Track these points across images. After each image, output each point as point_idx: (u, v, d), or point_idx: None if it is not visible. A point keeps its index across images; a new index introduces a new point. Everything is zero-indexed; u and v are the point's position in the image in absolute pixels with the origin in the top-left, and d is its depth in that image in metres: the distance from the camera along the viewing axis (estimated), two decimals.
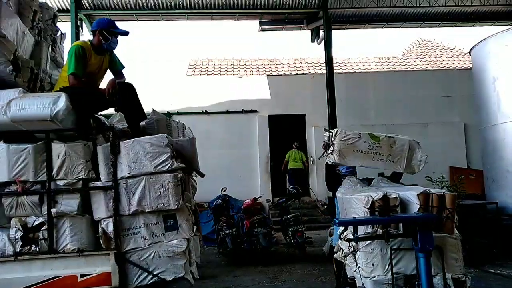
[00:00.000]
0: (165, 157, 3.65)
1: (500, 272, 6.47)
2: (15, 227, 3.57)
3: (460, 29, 16.16)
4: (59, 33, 5.33)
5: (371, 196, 3.70)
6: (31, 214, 3.64)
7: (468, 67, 12.83)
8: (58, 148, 3.63)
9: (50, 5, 5.49)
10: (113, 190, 3.60)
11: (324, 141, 4.83)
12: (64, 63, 4.33)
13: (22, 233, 3.55)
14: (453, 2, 12.19)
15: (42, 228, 3.59)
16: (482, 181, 9.62)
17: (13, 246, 3.54)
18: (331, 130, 4.69)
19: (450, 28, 14.23)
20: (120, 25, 4.36)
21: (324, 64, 12.32)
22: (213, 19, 12.66)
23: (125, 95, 4.01)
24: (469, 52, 9.72)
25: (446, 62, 16.90)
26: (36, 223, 3.61)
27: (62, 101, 3.56)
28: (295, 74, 15.40)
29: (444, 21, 13.35)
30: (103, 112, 4.46)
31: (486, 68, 8.58)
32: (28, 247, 3.55)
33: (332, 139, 4.51)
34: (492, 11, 12.96)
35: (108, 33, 4.09)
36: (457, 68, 15.65)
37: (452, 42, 18.48)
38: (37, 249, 3.56)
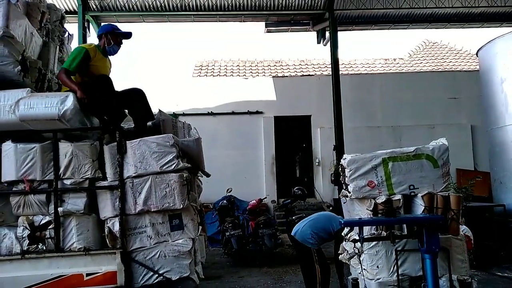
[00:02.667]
0: (171, 157, 3.67)
1: (507, 275, 6.41)
2: (23, 225, 3.61)
3: (467, 31, 16.05)
4: (66, 34, 5.37)
5: (374, 199, 3.69)
6: (38, 213, 3.68)
7: (475, 69, 12.74)
8: (65, 148, 3.67)
9: (58, 6, 5.53)
10: (119, 190, 3.63)
11: (339, 170, 4.48)
12: None
13: (29, 232, 3.59)
14: (460, 3, 12.10)
15: (49, 227, 3.63)
16: (489, 183, 9.53)
17: (20, 245, 3.58)
18: (341, 162, 4.22)
19: (457, 29, 14.12)
20: (127, 26, 4.45)
21: (330, 66, 12.29)
22: (219, 21, 12.68)
23: (136, 101, 4.12)
24: (476, 54, 9.65)
25: (453, 63, 16.78)
26: (43, 221, 3.65)
27: (70, 101, 3.60)
28: (300, 76, 15.38)
29: (451, 22, 13.25)
30: None
31: (494, 69, 8.51)
32: (35, 245, 3.59)
33: (345, 176, 4.04)
34: (500, 12, 12.85)
35: (113, 36, 4.26)
36: (464, 69, 15.52)
37: (459, 44, 18.43)
38: (44, 248, 3.60)
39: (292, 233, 4.96)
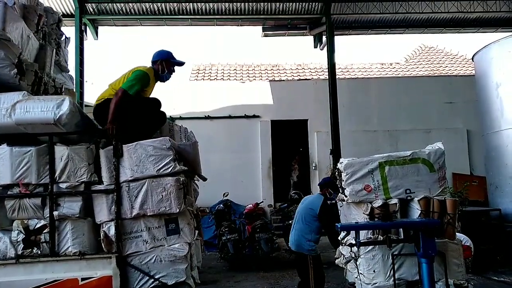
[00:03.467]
0: (168, 160, 3.66)
1: (503, 280, 6.43)
2: (17, 229, 3.57)
3: (463, 35, 16.15)
4: (63, 37, 5.35)
5: (370, 203, 3.70)
6: (33, 216, 3.64)
7: (471, 73, 12.83)
8: (61, 151, 3.64)
9: (55, 9, 5.52)
10: (115, 193, 3.61)
11: (335, 174, 4.53)
12: (119, 77, 4.21)
13: (24, 236, 3.55)
14: (455, 8, 12.21)
15: (44, 231, 3.59)
16: (485, 187, 9.58)
17: (15, 249, 3.54)
18: (337, 166, 4.28)
19: (453, 34, 14.26)
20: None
21: (326, 70, 12.33)
22: (216, 25, 12.72)
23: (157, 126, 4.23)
24: (472, 58, 9.72)
25: (449, 68, 16.89)
26: (38, 225, 3.61)
27: (66, 105, 3.58)
28: (297, 80, 15.42)
29: (447, 27, 13.38)
30: None
31: (489, 74, 8.58)
32: (30, 249, 3.55)
33: (341, 180, 4.05)
34: (495, 18, 12.98)
35: (168, 64, 4.28)
36: (460, 74, 15.63)
37: (455, 48, 18.52)
38: (39, 252, 3.56)
39: (289, 246, 5.03)
